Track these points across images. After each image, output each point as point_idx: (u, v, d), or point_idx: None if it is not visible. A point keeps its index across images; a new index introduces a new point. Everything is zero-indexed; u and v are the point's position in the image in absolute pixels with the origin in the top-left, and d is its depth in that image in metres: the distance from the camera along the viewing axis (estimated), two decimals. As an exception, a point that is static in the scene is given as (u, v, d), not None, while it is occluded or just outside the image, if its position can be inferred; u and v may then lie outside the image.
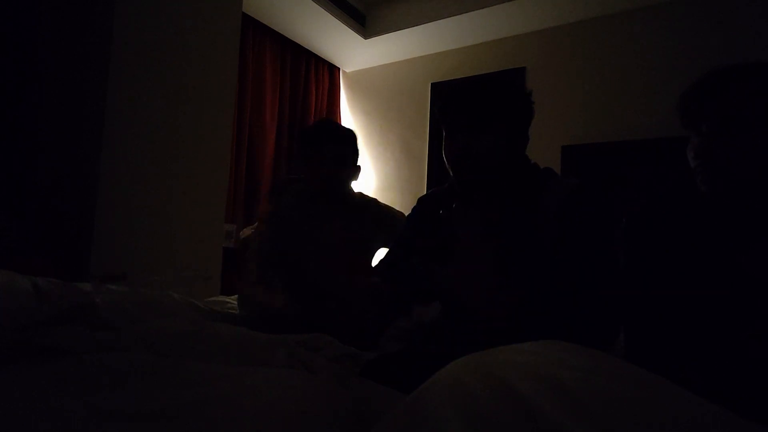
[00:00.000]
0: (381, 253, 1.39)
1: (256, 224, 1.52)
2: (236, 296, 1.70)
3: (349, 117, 3.92)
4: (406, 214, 1.25)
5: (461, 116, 0.96)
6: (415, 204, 1.19)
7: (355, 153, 1.42)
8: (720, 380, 0.60)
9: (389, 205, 1.57)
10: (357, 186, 1.52)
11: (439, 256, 1.03)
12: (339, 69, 3.88)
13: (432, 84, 3.50)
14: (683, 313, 0.66)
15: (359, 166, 1.45)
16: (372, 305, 1.03)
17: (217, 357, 0.84)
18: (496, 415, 0.33)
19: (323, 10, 3.01)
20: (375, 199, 1.53)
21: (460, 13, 2.98)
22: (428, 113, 3.50)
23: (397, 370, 0.85)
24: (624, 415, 0.32)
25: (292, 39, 3.40)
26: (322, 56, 3.67)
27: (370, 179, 3.63)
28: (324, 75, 3.72)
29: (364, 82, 3.88)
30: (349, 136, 1.39)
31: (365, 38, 3.38)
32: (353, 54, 3.64)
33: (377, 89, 3.80)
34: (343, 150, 1.37)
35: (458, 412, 0.34)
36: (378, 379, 0.74)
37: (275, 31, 3.28)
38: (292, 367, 0.87)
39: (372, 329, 1.19)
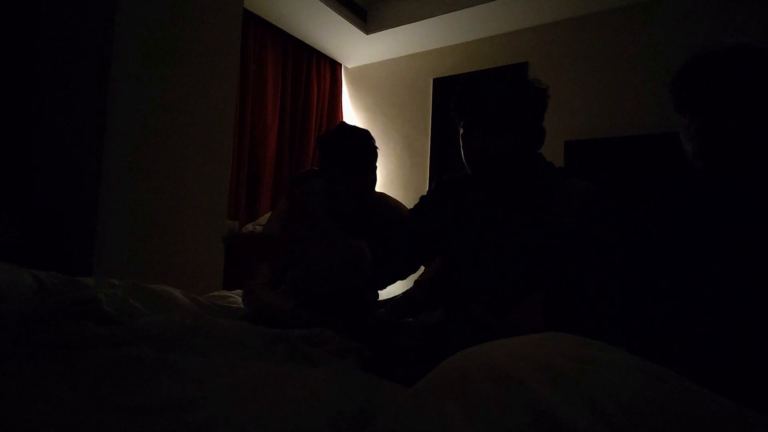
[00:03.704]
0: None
1: (267, 220, 1.50)
2: (238, 291, 1.70)
3: (351, 113, 3.91)
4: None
5: (479, 115, 0.94)
6: (417, 197, 1.19)
7: (375, 156, 1.40)
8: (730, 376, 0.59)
9: (397, 200, 1.56)
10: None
11: (452, 237, 1.03)
12: (340, 65, 3.87)
13: (434, 80, 3.49)
14: (694, 297, 0.66)
15: (376, 167, 1.44)
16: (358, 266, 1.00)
17: (220, 351, 0.85)
18: (498, 406, 0.33)
19: (324, 5, 3.00)
20: (384, 197, 1.53)
21: (462, 8, 2.96)
22: (430, 109, 3.49)
23: (399, 364, 0.85)
24: (625, 405, 0.31)
25: (294, 35, 3.39)
26: (324, 52, 3.66)
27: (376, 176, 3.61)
28: (325, 71, 3.71)
29: (366, 78, 3.87)
30: (371, 143, 1.37)
31: (367, 34, 3.36)
32: (355, 50, 3.63)
33: (379, 85, 3.79)
34: (369, 159, 1.35)
35: (461, 403, 0.34)
36: (380, 373, 0.74)
37: (276, 27, 3.27)
38: (295, 361, 0.88)
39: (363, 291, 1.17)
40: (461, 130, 0.99)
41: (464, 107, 0.97)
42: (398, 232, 1.11)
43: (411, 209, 1.18)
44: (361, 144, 1.34)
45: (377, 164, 1.43)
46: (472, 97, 0.96)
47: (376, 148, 1.39)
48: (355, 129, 1.40)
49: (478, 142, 0.95)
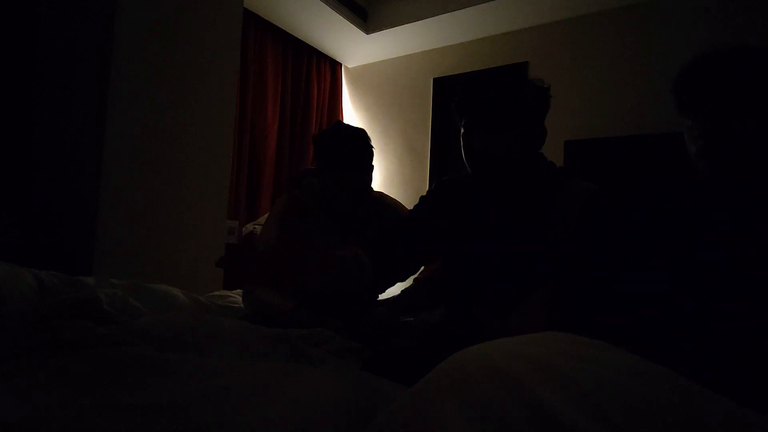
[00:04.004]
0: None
1: (266, 220, 1.51)
2: (238, 291, 1.70)
3: (351, 113, 3.91)
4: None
5: (480, 114, 0.95)
6: (417, 197, 1.19)
7: (372, 155, 1.41)
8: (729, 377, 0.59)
9: (396, 199, 1.56)
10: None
11: (453, 237, 1.03)
12: (341, 64, 3.87)
13: (434, 79, 3.49)
14: (695, 296, 0.66)
15: (373, 166, 1.44)
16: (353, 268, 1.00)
17: (220, 351, 0.85)
18: (498, 406, 0.33)
19: (325, 5, 3.00)
20: (383, 196, 1.53)
21: (462, 8, 2.96)
22: (430, 109, 3.49)
23: (399, 364, 0.85)
24: (625, 405, 0.31)
25: (294, 34, 3.39)
26: (324, 52, 3.66)
27: (373, 175, 3.60)
28: (326, 70, 3.71)
29: (366, 78, 3.87)
30: (367, 141, 1.37)
31: (367, 33, 3.36)
32: (355, 49, 3.63)
33: (379, 85, 3.79)
34: (364, 157, 1.36)
35: (461, 403, 0.34)
36: (380, 373, 0.74)
37: (276, 26, 3.27)
38: (295, 361, 0.88)
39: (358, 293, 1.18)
40: (462, 130, 0.99)
41: (465, 107, 0.97)
42: (398, 234, 1.11)
43: (411, 209, 1.18)
44: (357, 143, 1.35)
45: (374, 163, 1.43)
46: (472, 97, 0.96)
47: (372, 146, 1.39)
48: (350, 128, 1.40)
49: (479, 141, 0.95)
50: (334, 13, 3.09)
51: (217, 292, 1.75)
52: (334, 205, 1.38)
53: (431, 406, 0.36)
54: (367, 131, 1.43)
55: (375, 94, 3.80)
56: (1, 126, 1.91)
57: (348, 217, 1.40)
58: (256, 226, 2.82)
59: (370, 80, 3.84)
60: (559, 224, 0.92)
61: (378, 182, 3.56)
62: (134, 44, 1.82)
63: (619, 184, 2.54)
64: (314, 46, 3.57)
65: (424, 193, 1.19)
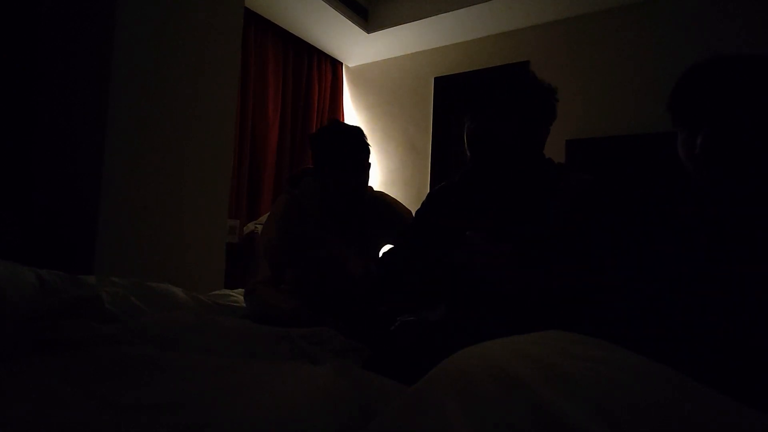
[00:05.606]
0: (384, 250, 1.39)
1: (266, 220, 1.51)
2: (240, 290, 1.70)
3: (351, 112, 3.91)
4: (413, 210, 1.25)
5: (491, 105, 0.99)
6: (422, 200, 1.19)
7: (369, 153, 1.41)
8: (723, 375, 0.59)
9: (396, 199, 1.56)
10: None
11: (451, 244, 1.03)
12: (341, 64, 3.87)
13: (435, 78, 3.48)
14: (695, 295, 0.66)
15: (370, 164, 1.44)
16: (363, 284, 1.02)
17: (222, 350, 0.85)
18: (499, 404, 0.33)
19: (326, 4, 3.00)
20: (383, 195, 1.53)
21: (463, 7, 2.96)
22: (431, 108, 3.48)
23: (399, 363, 0.85)
24: (627, 404, 0.31)
25: (295, 34, 3.39)
26: (325, 51, 3.66)
27: (374, 174, 3.61)
28: (326, 70, 3.70)
29: (367, 77, 3.87)
30: (364, 140, 1.38)
31: (368, 33, 3.36)
32: (356, 49, 3.62)
33: (380, 84, 3.79)
34: (362, 156, 1.36)
35: (462, 402, 0.34)
36: (381, 372, 0.74)
37: (277, 25, 3.27)
38: (296, 359, 0.88)
39: (366, 309, 1.19)
40: (468, 120, 1.00)
41: (476, 99, 1.00)
42: (412, 257, 1.10)
43: (410, 228, 1.18)
44: (352, 141, 1.35)
45: (375, 162, 1.43)
46: (483, 89, 1.00)
47: (368, 145, 1.39)
48: (346, 126, 1.40)
49: (484, 125, 0.97)
50: (335, 12, 3.08)
51: (218, 291, 1.76)
52: (333, 204, 1.38)
53: (432, 406, 0.36)
54: (365, 130, 1.43)
55: (376, 94, 3.80)
56: (1, 126, 1.91)
57: (347, 216, 1.40)
58: (257, 226, 2.82)
59: (371, 79, 3.84)
60: (559, 222, 0.92)
61: (379, 181, 3.56)
62: (134, 44, 1.82)
63: (619, 182, 2.54)
64: (315, 45, 3.56)
65: (425, 194, 1.18)
